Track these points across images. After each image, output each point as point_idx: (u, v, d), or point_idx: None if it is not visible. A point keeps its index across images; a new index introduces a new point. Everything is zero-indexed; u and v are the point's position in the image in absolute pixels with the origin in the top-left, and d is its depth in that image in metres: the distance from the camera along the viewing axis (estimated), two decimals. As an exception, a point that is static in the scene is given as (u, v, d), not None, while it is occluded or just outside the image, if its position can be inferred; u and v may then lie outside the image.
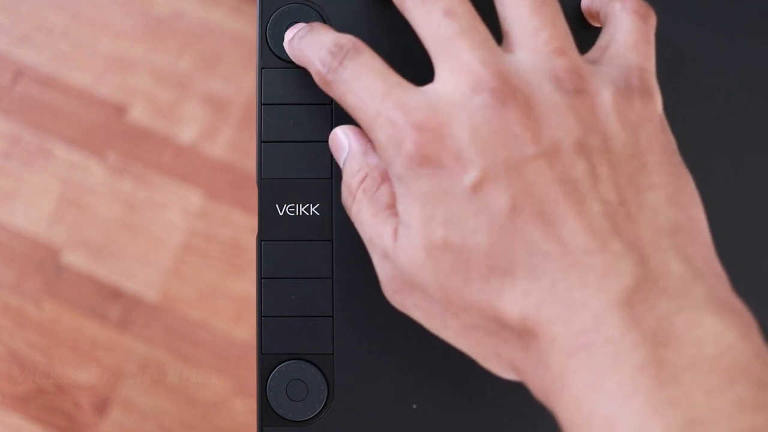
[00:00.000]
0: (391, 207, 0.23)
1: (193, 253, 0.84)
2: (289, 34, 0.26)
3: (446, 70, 0.22)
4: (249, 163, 0.85)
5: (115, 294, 0.84)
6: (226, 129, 0.86)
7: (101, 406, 0.83)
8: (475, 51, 0.22)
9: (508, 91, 0.21)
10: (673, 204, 0.22)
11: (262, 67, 0.28)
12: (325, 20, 0.28)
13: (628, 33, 0.24)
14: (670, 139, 0.23)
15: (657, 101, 0.23)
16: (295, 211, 0.28)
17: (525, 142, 0.21)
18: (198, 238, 0.85)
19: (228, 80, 0.87)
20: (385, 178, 0.24)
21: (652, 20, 0.25)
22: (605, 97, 0.22)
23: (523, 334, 0.21)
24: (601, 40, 0.25)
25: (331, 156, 0.28)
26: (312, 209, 0.28)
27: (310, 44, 0.25)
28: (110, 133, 0.87)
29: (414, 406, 0.27)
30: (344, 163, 0.25)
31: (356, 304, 0.28)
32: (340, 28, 0.27)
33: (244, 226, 0.85)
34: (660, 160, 0.22)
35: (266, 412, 0.27)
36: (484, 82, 0.21)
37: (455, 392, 0.27)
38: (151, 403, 0.82)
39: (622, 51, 0.23)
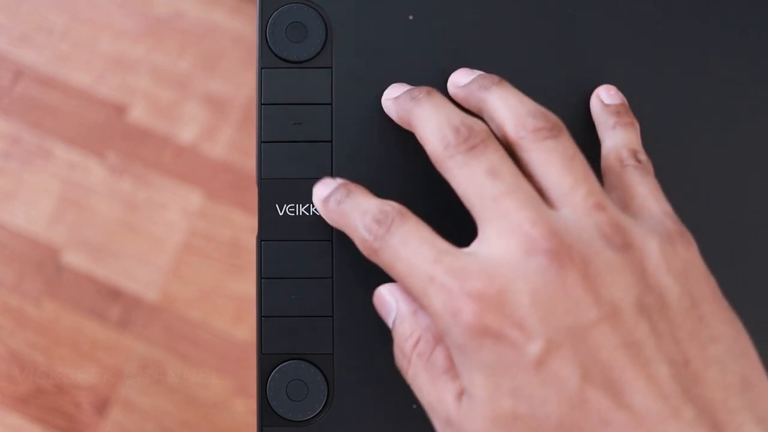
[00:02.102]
0: (450, 371, 0.22)
1: (193, 253, 0.84)
2: (321, 193, 0.26)
3: (494, 231, 0.22)
4: (249, 163, 0.85)
5: (115, 294, 0.84)
6: (226, 129, 0.86)
7: (101, 406, 0.82)
8: (522, 211, 0.21)
9: (564, 252, 0.21)
10: (736, 356, 0.21)
11: (262, 67, 0.28)
12: (325, 20, 0.28)
13: (638, 185, 0.24)
14: (715, 284, 0.23)
15: (695, 245, 0.23)
16: (295, 211, 0.28)
17: (587, 306, 0.20)
18: (198, 238, 0.85)
19: (228, 80, 0.87)
20: (438, 340, 0.23)
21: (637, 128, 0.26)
22: (652, 248, 0.22)
23: None
24: (613, 196, 0.25)
25: (332, 156, 0.28)
26: (312, 209, 0.28)
27: (351, 210, 0.24)
28: (110, 133, 0.87)
29: (414, 406, 0.27)
30: (394, 325, 0.24)
31: (356, 304, 0.27)
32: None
33: (244, 226, 0.85)
34: (714, 309, 0.22)
35: (266, 412, 0.27)
36: (538, 244, 0.21)
37: (455, 392, 0.27)
38: (151, 403, 0.82)
39: (641, 201, 0.24)
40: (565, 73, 0.28)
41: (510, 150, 0.24)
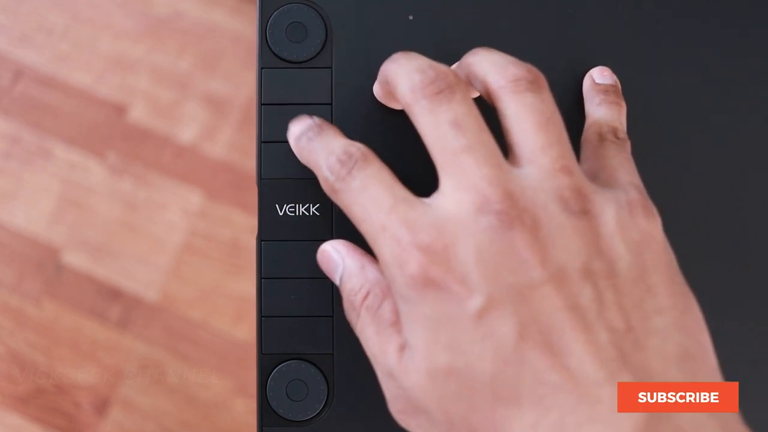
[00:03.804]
0: (395, 324, 0.23)
1: (193, 253, 0.84)
2: (295, 130, 0.26)
3: (452, 184, 0.22)
4: (249, 163, 0.85)
5: (115, 294, 0.84)
6: (226, 129, 0.86)
7: (101, 406, 0.82)
8: (481, 168, 0.21)
9: (515, 214, 0.21)
10: (680, 329, 0.21)
11: (262, 67, 0.28)
12: (325, 20, 0.28)
13: (611, 158, 0.25)
14: (672, 258, 0.23)
15: (658, 217, 0.23)
16: (295, 211, 0.28)
17: (532, 266, 0.20)
18: (198, 238, 0.85)
19: (228, 80, 0.87)
20: (386, 293, 0.23)
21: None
22: (609, 215, 0.22)
23: None
24: (585, 166, 0.25)
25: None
26: (312, 209, 0.28)
27: (319, 148, 0.24)
28: (110, 133, 0.87)
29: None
30: (341, 281, 0.25)
31: (356, 304, 0.27)
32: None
33: (244, 226, 0.85)
34: (665, 280, 0.22)
35: (266, 412, 0.27)
36: (491, 203, 0.21)
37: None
38: (151, 403, 0.82)
39: (610, 172, 0.24)
40: (564, 72, 0.28)
41: (491, 103, 0.24)
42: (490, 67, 0.24)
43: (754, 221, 0.28)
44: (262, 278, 0.28)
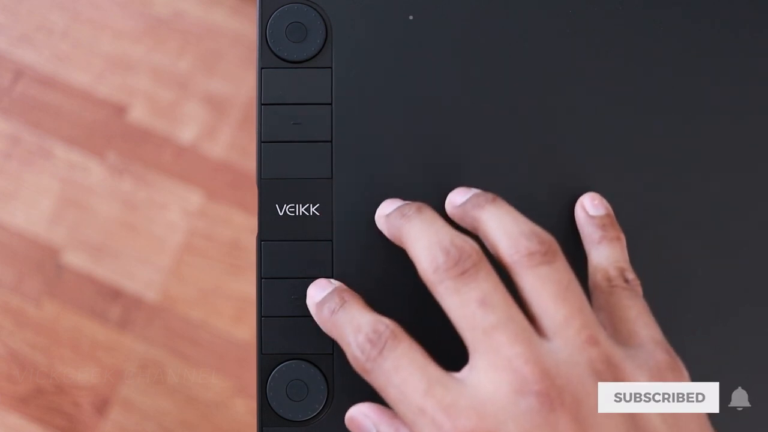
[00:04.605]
0: None
1: (193, 253, 0.84)
2: (315, 295, 0.26)
3: (485, 363, 0.22)
4: (249, 163, 0.85)
5: (115, 294, 0.84)
6: (226, 129, 0.86)
7: (101, 406, 0.82)
8: (514, 346, 0.21)
9: (555, 394, 0.21)
10: None
11: (262, 67, 0.28)
12: (325, 20, 0.28)
13: (628, 309, 0.25)
14: (705, 419, 0.23)
15: (686, 375, 0.23)
16: (295, 211, 0.28)
17: None
18: (198, 238, 0.85)
19: (228, 80, 0.87)
20: None
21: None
22: None
23: None
24: (601, 317, 0.25)
25: (332, 156, 0.28)
26: (312, 209, 0.28)
27: (344, 324, 0.24)
28: (110, 133, 0.87)
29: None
30: None
31: (356, 304, 0.27)
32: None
33: (244, 226, 0.85)
34: None
35: (266, 412, 0.27)
36: (529, 383, 0.21)
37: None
38: (151, 403, 0.82)
39: (631, 327, 0.24)
40: (564, 75, 0.28)
41: (504, 270, 0.24)
42: (502, 237, 0.23)
43: (754, 221, 0.28)
44: (262, 278, 0.28)
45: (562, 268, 0.23)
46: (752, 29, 0.28)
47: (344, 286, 0.26)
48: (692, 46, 0.28)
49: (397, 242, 0.26)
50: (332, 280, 0.26)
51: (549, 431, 0.20)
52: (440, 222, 0.24)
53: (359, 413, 0.25)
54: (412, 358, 0.22)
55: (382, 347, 0.23)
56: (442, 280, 0.22)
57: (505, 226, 0.24)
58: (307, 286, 0.27)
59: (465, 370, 0.22)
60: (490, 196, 0.25)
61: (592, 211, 0.27)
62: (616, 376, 0.22)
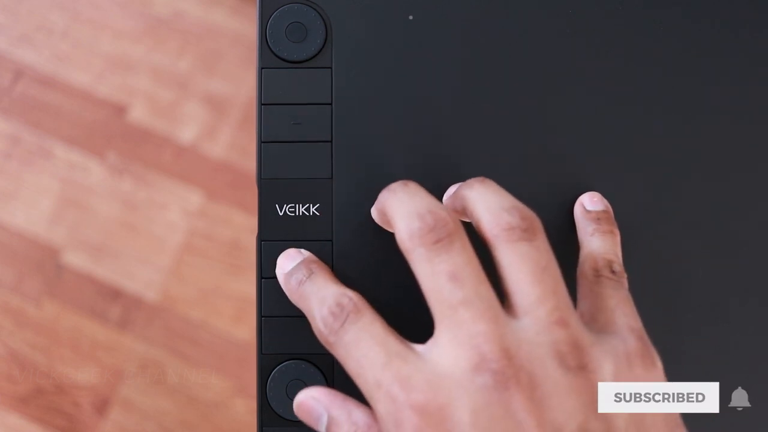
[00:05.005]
0: None
1: (193, 253, 0.84)
2: (284, 265, 0.26)
3: (448, 337, 0.22)
4: (249, 163, 0.85)
5: (115, 294, 0.84)
6: (226, 129, 0.86)
7: (101, 406, 0.82)
8: (477, 323, 0.21)
9: (511, 373, 0.21)
10: None
11: (262, 67, 0.28)
12: (325, 20, 0.28)
13: (609, 298, 0.24)
14: (677, 419, 0.23)
15: (658, 365, 0.23)
16: (295, 211, 0.28)
17: (527, 428, 0.20)
18: (198, 238, 0.85)
19: (228, 80, 0.87)
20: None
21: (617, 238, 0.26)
22: (606, 372, 0.22)
23: None
24: (582, 305, 0.25)
25: (332, 156, 0.28)
26: (312, 209, 0.28)
27: (310, 294, 0.24)
28: (110, 133, 0.87)
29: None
30: (330, 429, 0.24)
31: (356, 304, 0.27)
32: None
33: (244, 226, 0.85)
34: None
35: (266, 412, 0.27)
36: (487, 362, 0.21)
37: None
38: (151, 403, 0.82)
39: (609, 315, 0.24)
40: (564, 75, 0.28)
41: (486, 247, 0.23)
42: (484, 212, 0.23)
43: (754, 221, 0.28)
44: (262, 278, 0.28)
45: (542, 247, 0.23)
46: (752, 29, 0.28)
47: (313, 257, 0.26)
48: (692, 46, 0.28)
49: (385, 225, 0.25)
50: (302, 250, 0.26)
51: (501, 409, 0.20)
52: (423, 193, 0.24)
53: (308, 397, 0.24)
54: (372, 332, 0.22)
55: (344, 320, 0.23)
56: (416, 247, 0.22)
57: (487, 202, 0.23)
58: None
59: (429, 343, 0.22)
60: (480, 177, 0.25)
61: (589, 207, 0.27)
62: (580, 360, 0.21)
